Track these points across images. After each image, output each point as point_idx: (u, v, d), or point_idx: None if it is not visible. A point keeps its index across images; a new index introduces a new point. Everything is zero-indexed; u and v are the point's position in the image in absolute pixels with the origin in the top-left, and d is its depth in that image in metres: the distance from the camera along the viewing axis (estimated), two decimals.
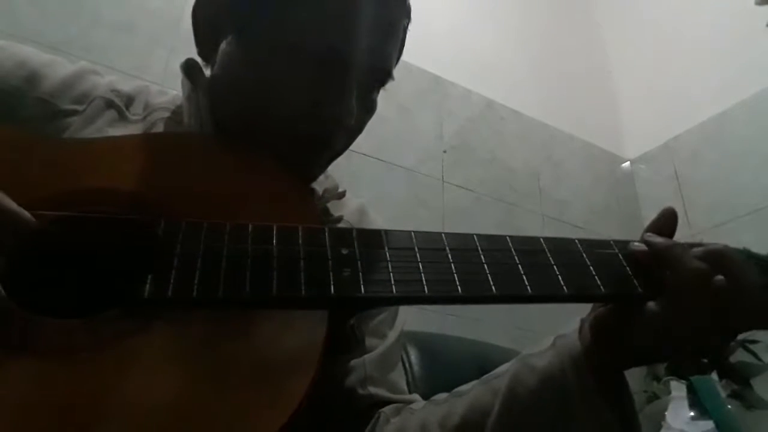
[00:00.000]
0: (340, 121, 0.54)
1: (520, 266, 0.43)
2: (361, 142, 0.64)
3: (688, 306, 0.41)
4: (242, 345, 0.37)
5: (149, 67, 1.34)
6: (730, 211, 1.80)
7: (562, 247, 0.46)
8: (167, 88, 0.67)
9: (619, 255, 0.46)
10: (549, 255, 0.45)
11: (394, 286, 0.40)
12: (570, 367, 0.45)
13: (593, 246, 0.47)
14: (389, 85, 0.59)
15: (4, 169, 0.43)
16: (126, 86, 0.61)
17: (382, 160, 1.64)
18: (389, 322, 0.66)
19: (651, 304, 0.43)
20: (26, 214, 0.37)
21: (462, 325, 1.41)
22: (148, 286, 0.37)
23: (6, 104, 0.53)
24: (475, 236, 0.45)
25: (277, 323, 0.38)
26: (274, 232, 0.42)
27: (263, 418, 0.33)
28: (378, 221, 0.74)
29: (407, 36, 0.62)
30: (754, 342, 1.41)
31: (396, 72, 0.60)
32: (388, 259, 0.42)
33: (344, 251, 0.42)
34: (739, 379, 1.37)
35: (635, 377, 1.45)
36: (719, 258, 0.42)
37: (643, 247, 0.46)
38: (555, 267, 0.44)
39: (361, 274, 0.41)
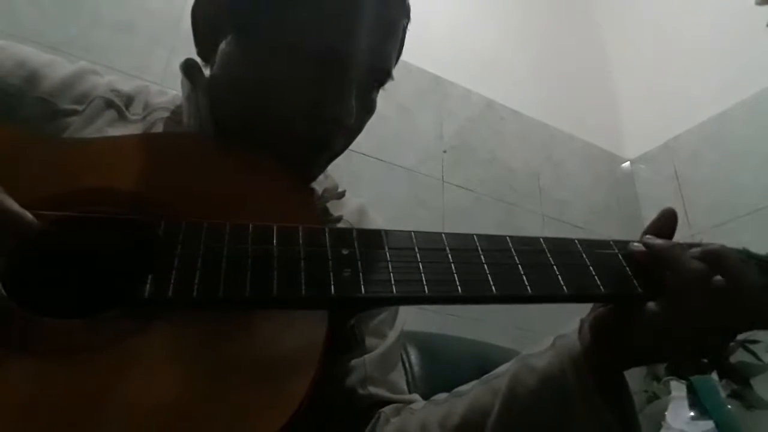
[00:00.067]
0: (339, 121, 0.54)
1: (520, 266, 0.43)
2: (361, 142, 0.64)
3: (688, 306, 0.41)
4: (242, 345, 0.37)
5: (149, 67, 1.34)
6: (730, 211, 1.80)
7: (562, 247, 0.46)
8: (167, 88, 0.67)
9: (619, 255, 0.46)
10: (549, 255, 0.45)
11: (394, 286, 0.40)
12: (570, 368, 0.45)
13: (593, 246, 0.47)
14: (389, 85, 0.59)
15: (4, 168, 0.43)
16: (126, 86, 0.61)
17: (382, 160, 1.64)
18: (389, 322, 0.66)
19: (651, 305, 0.43)
20: (29, 215, 0.37)
21: (462, 325, 1.41)
22: (148, 286, 0.37)
23: (6, 104, 0.53)
24: (475, 236, 0.46)
25: (278, 323, 0.38)
26: (275, 232, 0.42)
27: (263, 419, 0.33)
28: (378, 221, 0.74)
29: (407, 36, 0.62)
30: (754, 342, 1.41)
31: (396, 72, 0.60)
32: (389, 259, 0.42)
33: (344, 251, 0.42)
34: (739, 379, 1.37)
35: (635, 377, 1.45)
36: (716, 258, 0.42)
37: (641, 248, 0.46)
38: (555, 267, 0.44)
39: (361, 274, 0.41)
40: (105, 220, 0.42)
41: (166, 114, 0.60)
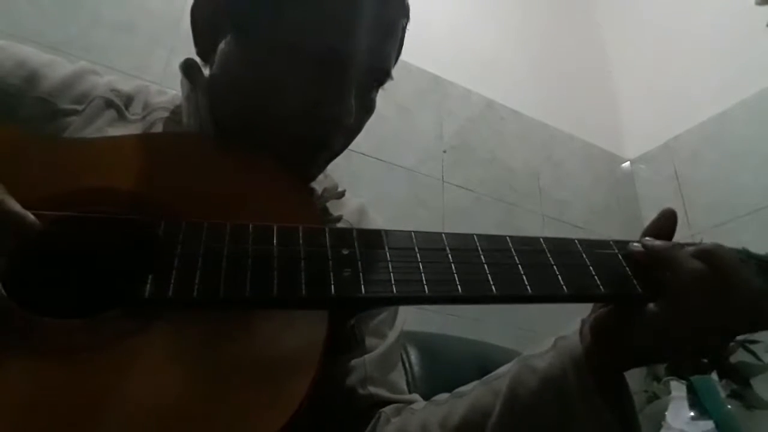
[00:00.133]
0: (339, 121, 0.54)
1: (520, 266, 0.43)
2: (361, 142, 0.64)
3: (687, 307, 0.41)
4: (243, 345, 0.37)
5: (149, 67, 1.34)
6: (730, 211, 1.80)
7: (561, 247, 0.46)
8: (167, 88, 0.67)
9: (619, 255, 0.46)
10: (549, 255, 0.45)
11: (394, 286, 0.40)
12: (571, 368, 0.45)
13: (593, 246, 0.47)
14: (389, 85, 0.59)
15: (4, 168, 0.43)
16: (125, 86, 0.61)
17: (382, 160, 1.64)
18: (389, 322, 0.66)
19: (651, 305, 0.43)
20: (30, 216, 0.37)
21: (462, 325, 1.41)
22: (148, 286, 0.37)
23: (6, 104, 0.53)
24: (475, 236, 0.45)
25: (278, 323, 0.38)
26: (275, 232, 0.42)
27: (264, 419, 0.33)
28: (378, 221, 0.74)
29: (407, 36, 0.62)
30: (754, 342, 1.41)
31: (396, 72, 0.60)
32: (389, 259, 0.42)
33: (344, 251, 0.42)
34: (739, 379, 1.37)
35: (635, 377, 1.45)
36: (709, 256, 0.42)
37: (640, 249, 0.46)
38: (555, 267, 0.44)
39: (361, 274, 0.41)
40: (105, 220, 0.42)
41: (166, 114, 0.60)
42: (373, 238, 0.44)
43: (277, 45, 0.53)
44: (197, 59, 0.62)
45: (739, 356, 1.41)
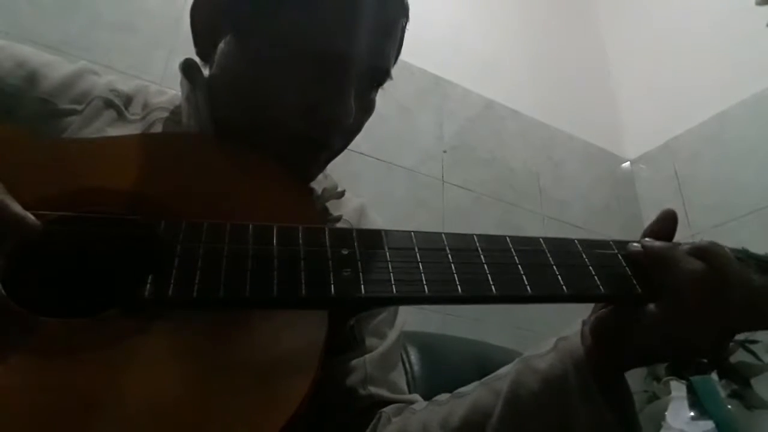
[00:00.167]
0: (338, 121, 0.54)
1: (520, 266, 0.43)
2: (360, 142, 0.64)
3: (687, 307, 0.41)
4: (242, 345, 0.37)
5: (149, 67, 1.34)
6: (730, 211, 1.80)
7: (561, 247, 0.46)
8: (166, 88, 0.67)
9: (619, 255, 0.46)
10: (549, 255, 0.45)
11: (394, 286, 0.40)
12: (572, 369, 0.45)
13: (593, 246, 0.47)
14: (389, 85, 0.59)
15: (4, 168, 0.43)
16: (125, 86, 0.61)
17: (382, 160, 1.64)
18: (389, 322, 0.66)
19: (650, 305, 0.43)
20: (31, 217, 0.37)
21: (462, 325, 1.41)
22: (148, 286, 0.37)
23: (5, 104, 0.53)
24: (475, 236, 0.45)
25: (278, 323, 0.38)
26: (275, 232, 0.42)
27: (264, 419, 0.33)
28: (378, 221, 0.74)
29: (407, 36, 0.62)
30: (754, 342, 1.41)
31: (396, 72, 0.60)
32: (388, 259, 0.42)
33: (344, 251, 0.42)
34: (739, 379, 1.37)
35: (635, 377, 1.45)
36: (706, 255, 0.42)
37: (639, 249, 0.46)
38: (555, 267, 0.44)
39: (361, 274, 0.41)
40: (105, 220, 0.42)
41: (166, 114, 0.60)
42: (372, 238, 0.44)
43: (276, 45, 0.53)
44: (197, 59, 0.62)
45: (739, 356, 1.41)
